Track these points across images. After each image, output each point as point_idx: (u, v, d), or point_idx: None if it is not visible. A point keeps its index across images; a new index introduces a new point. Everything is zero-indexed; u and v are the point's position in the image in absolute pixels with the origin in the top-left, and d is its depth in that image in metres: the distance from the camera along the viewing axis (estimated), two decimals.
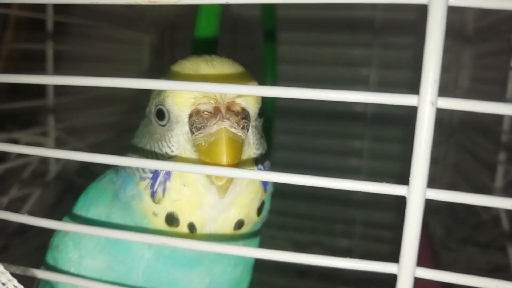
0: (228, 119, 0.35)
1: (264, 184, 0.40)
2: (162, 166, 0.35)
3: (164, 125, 0.38)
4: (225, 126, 0.35)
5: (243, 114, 0.36)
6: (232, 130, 0.35)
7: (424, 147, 0.26)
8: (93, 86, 0.31)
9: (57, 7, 0.89)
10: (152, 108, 0.40)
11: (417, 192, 0.27)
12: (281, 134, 1.18)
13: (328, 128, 1.26)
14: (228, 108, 0.36)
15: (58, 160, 0.90)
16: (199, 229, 0.38)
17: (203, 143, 0.36)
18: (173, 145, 0.38)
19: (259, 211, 0.40)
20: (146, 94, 0.42)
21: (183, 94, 0.36)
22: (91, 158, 0.33)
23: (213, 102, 0.35)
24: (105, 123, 1.04)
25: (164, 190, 0.38)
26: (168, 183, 0.38)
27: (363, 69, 1.22)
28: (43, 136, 0.88)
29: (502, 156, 0.80)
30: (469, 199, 0.27)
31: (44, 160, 0.89)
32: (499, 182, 0.81)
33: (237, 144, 0.35)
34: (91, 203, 0.45)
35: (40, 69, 0.90)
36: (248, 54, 1.22)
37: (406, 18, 1.11)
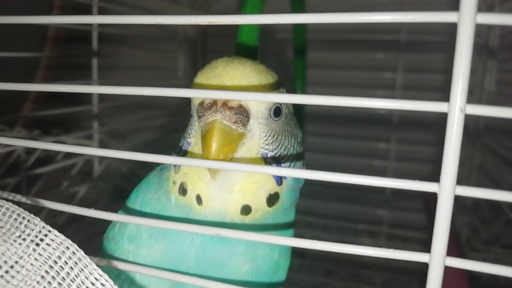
0: (221, 112, 0.40)
1: (277, 177, 0.44)
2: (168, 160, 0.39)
3: (191, 114, 0.45)
4: (218, 118, 0.40)
5: (239, 110, 0.41)
6: (224, 122, 0.41)
7: (453, 149, 0.29)
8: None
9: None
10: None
11: (447, 189, 0.30)
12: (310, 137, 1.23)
13: (355, 131, 1.29)
14: (225, 104, 0.41)
15: (101, 162, 0.96)
16: (205, 203, 0.43)
17: (203, 130, 0.41)
18: (192, 131, 0.45)
19: (270, 201, 0.44)
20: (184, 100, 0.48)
21: (198, 86, 0.43)
22: (126, 155, 0.38)
23: (218, 101, 0.41)
24: (144, 127, 1.10)
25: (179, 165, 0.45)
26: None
27: (389, 73, 1.25)
28: (88, 139, 0.94)
29: None
30: (496, 195, 0.30)
31: (89, 162, 0.94)
32: None
33: (229, 135, 0.41)
34: (142, 193, 0.50)
35: (82, 69, 0.96)
36: (276, 60, 1.27)
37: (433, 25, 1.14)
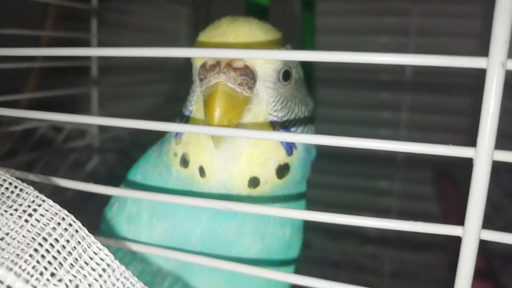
0: (224, 73, 0.36)
1: (287, 147, 0.41)
2: (174, 128, 0.36)
3: (193, 79, 0.42)
4: (221, 80, 0.36)
5: (244, 71, 0.37)
6: (229, 84, 0.37)
7: (492, 108, 0.26)
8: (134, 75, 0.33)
9: None
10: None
11: (485, 155, 0.27)
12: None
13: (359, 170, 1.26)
14: (229, 64, 0.37)
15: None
16: (208, 175, 0.40)
17: (205, 95, 0.38)
18: (193, 97, 0.42)
19: (280, 173, 0.41)
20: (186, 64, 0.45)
21: (199, 47, 0.39)
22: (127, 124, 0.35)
23: (222, 62, 0.37)
24: (144, 92, 1.08)
25: (181, 133, 0.42)
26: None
27: (402, 37, 1.21)
28: (88, 124, 0.91)
29: None
30: None
31: (88, 146, 0.92)
32: None
33: (234, 99, 0.37)
34: (141, 168, 0.47)
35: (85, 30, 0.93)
36: (284, 24, 1.23)
37: None
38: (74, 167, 0.90)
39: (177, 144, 0.42)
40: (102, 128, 0.92)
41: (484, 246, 0.76)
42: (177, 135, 0.42)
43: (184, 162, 0.41)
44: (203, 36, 0.40)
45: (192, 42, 0.41)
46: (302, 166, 0.43)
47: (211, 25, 0.40)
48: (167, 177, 0.43)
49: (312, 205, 0.33)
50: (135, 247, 0.37)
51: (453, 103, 1.15)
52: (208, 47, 0.38)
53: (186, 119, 0.42)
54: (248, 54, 0.34)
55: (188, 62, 0.42)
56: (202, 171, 0.40)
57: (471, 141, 0.27)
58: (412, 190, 1.22)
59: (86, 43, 0.95)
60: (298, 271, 0.48)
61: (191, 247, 0.41)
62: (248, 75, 0.37)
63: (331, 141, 0.29)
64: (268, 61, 0.39)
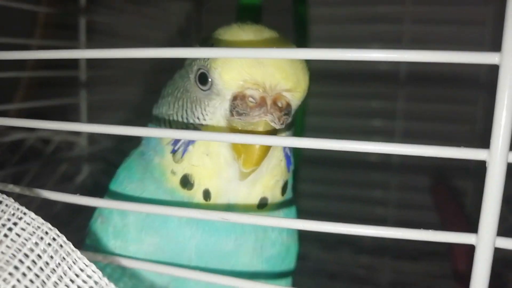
0: (272, 113, 0.34)
1: (288, 164, 0.40)
2: (197, 136, 0.35)
3: (204, 90, 0.38)
4: (267, 120, 0.34)
5: (287, 110, 0.35)
6: (272, 124, 0.35)
7: (507, 105, 0.25)
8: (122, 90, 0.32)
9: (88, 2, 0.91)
10: (192, 69, 0.39)
11: (499, 157, 0.25)
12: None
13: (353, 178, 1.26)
14: (274, 101, 0.35)
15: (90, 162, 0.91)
16: (214, 199, 0.38)
17: (239, 127, 0.35)
18: (207, 114, 0.38)
19: (283, 190, 0.41)
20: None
21: (232, 73, 0.35)
22: (122, 130, 0.33)
23: (261, 91, 0.34)
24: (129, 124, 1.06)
25: (184, 151, 0.38)
26: (190, 147, 0.38)
27: (397, 25, 1.19)
28: (76, 135, 0.89)
29: None
30: None
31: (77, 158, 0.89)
32: None
33: None
34: (122, 184, 0.45)
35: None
36: (276, 18, 1.22)
37: None
38: (63, 180, 0.88)
39: (176, 162, 0.39)
40: (91, 140, 0.90)
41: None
42: (175, 151, 0.39)
43: (186, 183, 0.39)
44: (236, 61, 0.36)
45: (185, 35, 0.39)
46: (291, 178, 0.43)
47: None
48: (157, 194, 0.40)
49: (306, 216, 0.32)
50: (125, 262, 0.35)
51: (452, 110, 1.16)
52: (246, 77, 0.35)
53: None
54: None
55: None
56: (207, 195, 0.38)
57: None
58: (408, 198, 1.21)
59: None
60: (294, 284, 0.47)
61: (186, 261, 0.39)
62: (289, 113, 0.36)
63: (338, 145, 0.27)
64: (303, 95, 0.37)
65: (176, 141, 0.39)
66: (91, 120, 0.91)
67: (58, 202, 0.84)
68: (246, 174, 0.36)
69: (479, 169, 0.97)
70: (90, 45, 0.93)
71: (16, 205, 0.27)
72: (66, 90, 1.01)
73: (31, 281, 0.24)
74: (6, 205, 0.27)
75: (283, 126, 0.35)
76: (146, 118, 0.45)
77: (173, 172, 0.39)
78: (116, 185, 0.45)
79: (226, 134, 0.35)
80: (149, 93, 1.18)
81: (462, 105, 1.16)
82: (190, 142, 0.38)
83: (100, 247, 0.43)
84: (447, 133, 1.16)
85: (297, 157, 0.90)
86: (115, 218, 0.43)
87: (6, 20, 0.87)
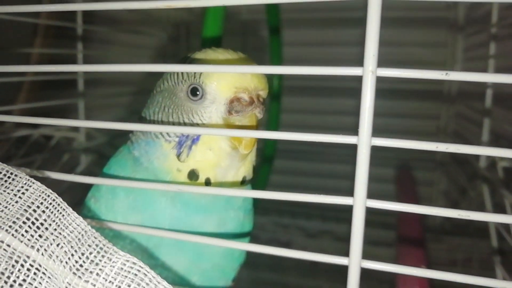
0: (258, 107, 0.48)
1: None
2: (208, 131, 0.46)
3: (195, 101, 0.48)
4: (256, 112, 0.48)
5: (264, 103, 0.49)
6: (258, 114, 0.48)
7: (368, 104, 0.35)
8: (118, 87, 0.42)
9: (84, 15, 1.01)
10: (182, 87, 0.49)
11: (364, 141, 0.36)
12: None
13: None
14: (257, 98, 0.48)
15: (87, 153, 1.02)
16: (213, 184, 0.49)
17: (236, 122, 0.47)
18: (205, 119, 0.48)
19: (255, 170, 0.53)
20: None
21: (227, 84, 0.47)
22: (122, 126, 0.43)
23: (247, 93, 0.47)
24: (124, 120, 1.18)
25: (189, 152, 0.48)
26: (194, 146, 0.48)
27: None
28: (75, 131, 0.99)
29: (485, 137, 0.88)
30: (411, 144, 0.36)
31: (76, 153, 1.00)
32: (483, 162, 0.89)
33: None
34: (114, 173, 0.54)
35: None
36: (256, 54, 1.34)
37: None
38: (63, 170, 0.98)
39: (182, 161, 0.49)
40: (88, 136, 1.01)
41: (422, 219, 0.86)
42: (179, 153, 0.49)
43: (193, 176, 0.49)
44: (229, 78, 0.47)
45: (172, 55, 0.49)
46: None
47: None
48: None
49: (279, 202, 0.43)
50: (114, 226, 0.46)
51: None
52: (243, 90, 0.48)
53: (193, 137, 0.49)
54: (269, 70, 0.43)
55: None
56: (208, 181, 0.49)
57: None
58: (375, 188, 1.31)
59: (73, 58, 1.04)
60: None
61: (159, 237, 0.49)
62: (265, 104, 0.49)
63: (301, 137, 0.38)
64: (267, 91, 0.50)
65: (179, 145, 0.49)
66: (88, 118, 1.02)
67: (61, 190, 0.95)
68: (245, 155, 0.48)
69: (445, 161, 1.09)
70: (87, 51, 1.03)
71: (27, 177, 0.38)
72: (66, 91, 1.11)
73: (38, 227, 0.35)
74: (20, 177, 0.38)
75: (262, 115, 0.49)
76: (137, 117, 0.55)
77: (178, 170, 0.49)
78: (109, 170, 0.55)
79: (231, 130, 0.46)
80: (141, 95, 1.30)
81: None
82: (193, 143, 0.48)
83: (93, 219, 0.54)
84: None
85: (273, 151, 1.02)
86: (106, 198, 0.53)
87: (9, 31, 0.98)
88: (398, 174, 1.16)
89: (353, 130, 0.36)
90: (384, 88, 1.28)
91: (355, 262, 0.39)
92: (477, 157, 0.90)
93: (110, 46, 1.21)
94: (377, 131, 0.36)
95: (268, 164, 0.96)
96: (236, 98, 0.47)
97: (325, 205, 0.42)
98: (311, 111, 1.37)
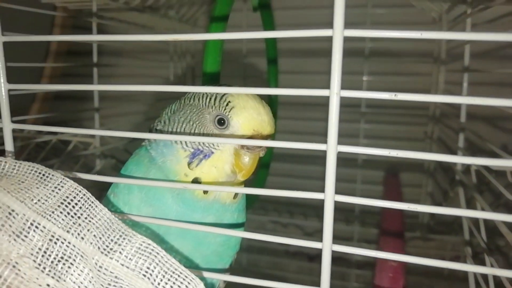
0: (264, 150, 0.58)
1: None
2: (223, 140, 0.55)
3: (219, 128, 0.57)
4: (260, 151, 0.57)
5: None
6: (261, 154, 0.58)
7: (334, 118, 0.44)
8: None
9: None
10: (211, 110, 0.57)
11: (332, 148, 0.45)
12: None
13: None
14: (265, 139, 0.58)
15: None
16: (209, 194, 0.58)
17: (243, 155, 0.57)
18: (219, 144, 0.57)
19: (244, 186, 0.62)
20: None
21: (249, 124, 0.57)
22: (138, 135, 0.53)
23: (259, 136, 0.57)
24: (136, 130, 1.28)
25: (198, 163, 0.57)
26: (204, 161, 0.57)
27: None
28: (90, 137, 1.09)
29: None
30: (368, 151, 0.45)
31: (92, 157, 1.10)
32: (459, 166, 0.98)
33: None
34: (131, 172, 0.62)
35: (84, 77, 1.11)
36: (254, 80, 1.46)
37: None
38: (80, 172, 1.08)
39: (190, 169, 0.58)
40: (103, 141, 1.10)
41: (403, 216, 0.96)
42: (191, 162, 0.57)
43: (196, 183, 0.57)
44: (250, 118, 0.57)
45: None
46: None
47: (252, 111, 0.57)
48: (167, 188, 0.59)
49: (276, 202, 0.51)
50: (130, 217, 0.55)
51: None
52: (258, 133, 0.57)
53: (203, 155, 0.58)
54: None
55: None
56: (206, 191, 0.58)
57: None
58: (368, 190, 1.41)
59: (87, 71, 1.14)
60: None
61: (168, 227, 0.58)
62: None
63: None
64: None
65: (193, 156, 0.57)
66: (103, 125, 1.12)
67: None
68: (241, 182, 0.58)
69: (431, 166, 1.19)
70: (100, 63, 1.13)
71: (62, 176, 0.47)
72: (78, 102, 1.21)
73: (72, 216, 0.45)
74: (56, 177, 0.47)
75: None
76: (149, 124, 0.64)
77: (186, 175, 0.58)
78: (126, 171, 0.63)
79: (242, 139, 0.56)
80: (153, 104, 1.41)
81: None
82: (204, 158, 0.57)
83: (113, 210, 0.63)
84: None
85: (270, 157, 1.11)
86: (123, 193, 0.61)
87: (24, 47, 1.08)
88: (385, 177, 1.25)
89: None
90: (380, 103, 1.39)
91: (327, 246, 0.47)
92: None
93: (123, 59, 1.31)
94: (369, 137, 0.44)
95: (265, 169, 1.05)
96: (252, 138, 0.56)
97: (321, 206, 0.50)
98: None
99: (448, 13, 1.22)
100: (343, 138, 0.46)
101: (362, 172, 1.41)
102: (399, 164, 1.40)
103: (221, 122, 0.57)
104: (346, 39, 0.43)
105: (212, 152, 0.57)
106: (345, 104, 1.38)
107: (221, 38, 0.53)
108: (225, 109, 0.57)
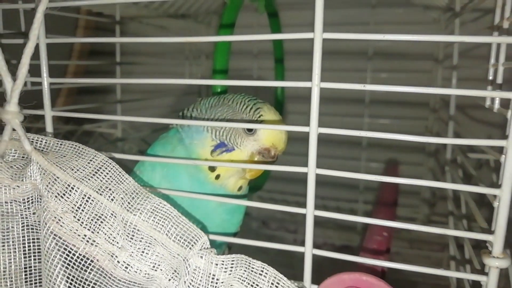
0: (274, 160, 0.69)
1: None
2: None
3: (246, 132, 0.68)
4: (272, 159, 0.69)
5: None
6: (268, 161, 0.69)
7: (315, 107, 0.54)
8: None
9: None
10: (244, 116, 0.68)
11: (313, 130, 0.55)
12: None
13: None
14: (276, 155, 0.69)
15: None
16: (220, 179, 0.68)
17: (256, 158, 0.68)
18: (242, 144, 0.68)
19: (247, 183, 0.74)
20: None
21: (271, 138, 0.68)
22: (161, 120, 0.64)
23: (274, 150, 0.68)
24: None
25: (220, 154, 0.68)
26: (224, 153, 0.68)
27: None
28: (113, 128, 1.21)
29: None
30: (344, 132, 0.55)
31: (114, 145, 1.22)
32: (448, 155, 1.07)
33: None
34: (157, 151, 0.70)
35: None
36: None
37: None
38: None
39: (212, 156, 0.67)
40: (124, 132, 1.22)
41: (397, 190, 1.06)
42: (214, 150, 0.68)
43: (212, 168, 0.68)
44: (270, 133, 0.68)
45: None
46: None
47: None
48: (192, 168, 0.68)
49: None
50: (165, 191, 0.64)
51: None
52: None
53: (226, 149, 0.67)
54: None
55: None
56: (218, 176, 0.68)
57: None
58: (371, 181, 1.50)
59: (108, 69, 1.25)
60: None
61: (181, 200, 0.67)
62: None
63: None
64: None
65: (218, 147, 0.68)
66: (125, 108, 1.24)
67: None
68: (247, 179, 0.70)
69: (435, 151, 1.31)
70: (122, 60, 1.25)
71: (95, 151, 0.58)
72: (100, 95, 1.33)
73: (104, 183, 0.56)
74: (90, 151, 0.58)
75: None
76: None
77: (206, 159, 0.68)
78: (152, 151, 0.72)
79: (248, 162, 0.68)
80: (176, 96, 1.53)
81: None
82: (226, 151, 0.68)
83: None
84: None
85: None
86: (148, 170, 0.71)
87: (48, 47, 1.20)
88: (385, 167, 1.34)
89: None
90: (383, 98, 1.48)
91: (309, 212, 0.57)
92: (445, 151, 1.08)
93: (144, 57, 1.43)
94: (372, 131, 0.53)
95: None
96: (268, 149, 0.68)
97: (327, 196, 0.60)
98: None
99: (445, 13, 1.30)
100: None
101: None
102: (396, 155, 1.49)
103: (250, 129, 0.68)
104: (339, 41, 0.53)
105: (234, 149, 0.68)
106: (350, 98, 1.49)
107: (221, 40, 0.63)
108: (255, 117, 0.68)
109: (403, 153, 1.47)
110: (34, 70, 0.63)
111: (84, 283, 0.53)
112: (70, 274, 0.52)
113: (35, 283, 0.58)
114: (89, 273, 0.53)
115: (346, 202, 1.57)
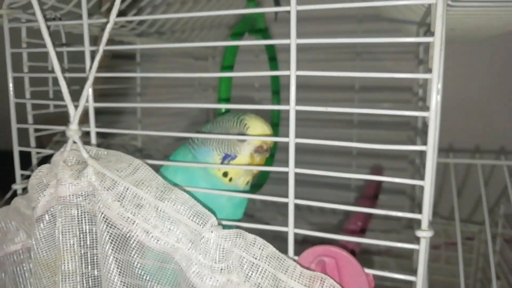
0: (268, 153, 0.81)
1: None
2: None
3: (241, 142, 0.80)
4: (266, 154, 0.87)
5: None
6: (265, 155, 0.87)
7: (293, 89, 0.61)
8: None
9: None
10: (234, 130, 0.81)
11: (292, 107, 0.71)
12: None
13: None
14: (268, 148, 0.87)
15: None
16: (233, 181, 0.86)
17: (255, 157, 0.86)
18: (241, 150, 0.85)
19: (253, 178, 0.92)
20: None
21: (259, 140, 0.84)
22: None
23: (265, 145, 0.86)
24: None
25: (228, 162, 0.85)
26: (231, 161, 0.85)
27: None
28: (133, 140, 1.42)
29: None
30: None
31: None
32: None
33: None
34: (181, 157, 0.83)
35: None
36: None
37: None
38: None
39: (224, 163, 0.80)
40: (144, 143, 1.43)
41: (378, 187, 1.25)
42: (223, 161, 0.82)
43: (225, 173, 0.81)
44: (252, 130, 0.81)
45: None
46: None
47: (257, 125, 0.83)
48: (204, 175, 0.82)
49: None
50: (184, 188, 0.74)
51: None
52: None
53: (231, 158, 0.82)
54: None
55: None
56: (230, 179, 0.82)
57: None
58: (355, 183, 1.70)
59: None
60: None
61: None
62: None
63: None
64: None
65: (224, 159, 0.81)
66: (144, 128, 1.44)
67: None
68: (254, 173, 0.88)
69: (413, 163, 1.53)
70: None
71: (139, 160, 0.79)
72: (117, 115, 1.53)
73: (141, 179, 0.76)
74: (127, 157, 0.79)
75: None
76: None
77: (218, 169, 0.79)
78: (174, 159, 0.85)
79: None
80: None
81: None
82: (232, 159, 0.81)
83: None
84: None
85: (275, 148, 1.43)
86: (169, 176, 0.79)
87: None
88: (370, 172, 1.54)
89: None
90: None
91: (291, 201, 0.69)
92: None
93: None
94: (360, 141, 0.69)
95: (271, 158, 1.36)
96: (261, 146, 0.81)
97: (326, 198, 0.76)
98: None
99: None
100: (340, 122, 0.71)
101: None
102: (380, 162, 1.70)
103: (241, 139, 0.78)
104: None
105: (236, 156, 0.86)
106: (341, 86, 1.70)
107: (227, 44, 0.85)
108: (243, 128, 0.86)
109: (388, 160, 1.67)
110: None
111: (129, 254, 0.72)
112: (117, 251, 0.71)
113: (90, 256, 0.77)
114: (131, 247, 0.73)
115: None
